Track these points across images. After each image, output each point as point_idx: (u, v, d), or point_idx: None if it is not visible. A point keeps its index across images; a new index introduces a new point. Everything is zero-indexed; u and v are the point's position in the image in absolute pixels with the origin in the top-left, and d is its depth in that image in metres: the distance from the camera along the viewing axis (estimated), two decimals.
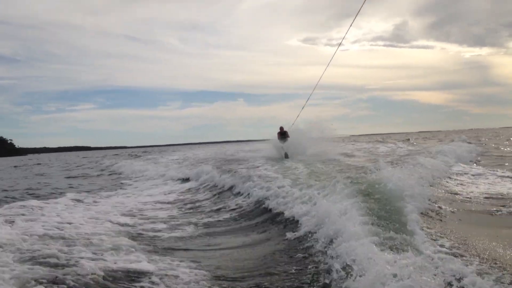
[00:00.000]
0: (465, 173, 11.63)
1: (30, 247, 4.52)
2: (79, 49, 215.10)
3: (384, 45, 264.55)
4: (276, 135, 20.15)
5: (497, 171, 12.05)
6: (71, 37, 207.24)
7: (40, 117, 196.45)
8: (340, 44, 11.78)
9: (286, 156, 18.67)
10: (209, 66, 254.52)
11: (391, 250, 3.66)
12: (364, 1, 8.92)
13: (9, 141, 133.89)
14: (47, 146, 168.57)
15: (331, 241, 4.38)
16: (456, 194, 8.00)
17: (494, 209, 6.38)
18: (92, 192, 12.07)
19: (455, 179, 10.25)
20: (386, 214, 4.85)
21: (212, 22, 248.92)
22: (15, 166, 36.72)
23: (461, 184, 9.45)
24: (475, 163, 15.42)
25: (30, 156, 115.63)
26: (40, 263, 3.99)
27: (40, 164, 41.95)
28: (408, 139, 46.56)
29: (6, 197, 11.64)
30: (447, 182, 9.69)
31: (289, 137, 19.75)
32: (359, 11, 9.37)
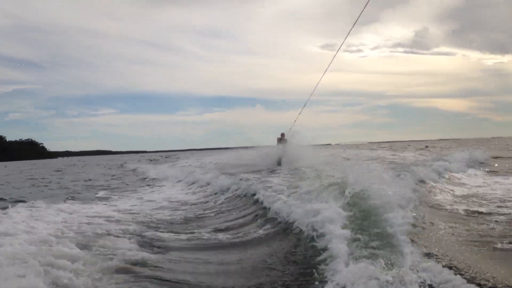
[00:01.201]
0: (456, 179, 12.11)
1: None
2: (102, 55, 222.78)
3: (404, 52, 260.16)
4: (275, 141, 19.63)
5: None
6: (94, 43, 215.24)
7: (63, 121, 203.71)
8: (338, 50, 11.52)
9: (279, 163, 17.79)
10: (228, 72, 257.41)
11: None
12: (363, 10, 8.89)
13: (40, 145, 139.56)
14: (69, 149, 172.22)
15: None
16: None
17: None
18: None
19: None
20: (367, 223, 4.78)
21: (232, 29, 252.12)
22: (58, 170, 38.67)
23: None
24: (475, 169, 15.75)
25: (59, 159, 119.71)
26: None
27: (76, 165, 44.63)
28: (426, 146, 45.90)
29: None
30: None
31: (286, 141, 19.21)
32: (357, 18, 9.35)
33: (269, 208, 7.21)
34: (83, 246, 4.92)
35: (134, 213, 8.40)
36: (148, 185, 16.05)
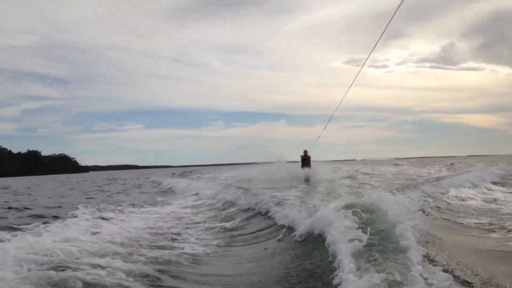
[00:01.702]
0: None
1: None
2: (128, 71, 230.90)
3: (431, 67, 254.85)
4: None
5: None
6: (119, 59, 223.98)
7: (90, 136, 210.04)
8: (363, 65, 11.08)
9: (308, 180, 18.34)
10: (251, 87, 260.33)
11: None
12: (386, 26, 8.55)
13: (73, 159, 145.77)
14: (97, 164, 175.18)
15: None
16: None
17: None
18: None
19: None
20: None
21: (254, 44, 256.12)
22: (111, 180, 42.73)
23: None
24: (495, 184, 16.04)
25: (91, 173, 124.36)
26: None
27: (115, 179, 48.22)
28: (452, 164, 45.14)
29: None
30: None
31: (310, 163, 19.83)
32: (381, 35, 9.02)
33: (279, 220, 7.72)
34: None
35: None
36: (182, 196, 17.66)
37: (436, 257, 4.51)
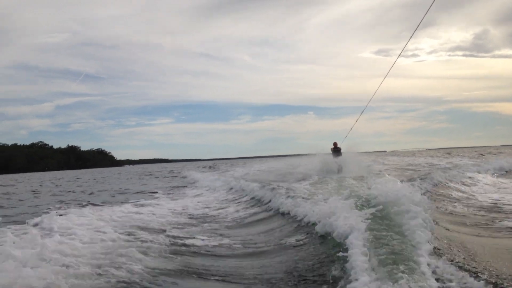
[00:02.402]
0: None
1: None
2: (157, 66, 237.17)
3: (463, 55, 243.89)
4: (329, 150, 20.31)
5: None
6: (150, 56, 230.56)
7: (122, 131, 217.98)
8: (399, 55, 10.73)
9: (339, 171, 18.52)
10: (279, 81, 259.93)
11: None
12: (424, 15, 8.28)
13: (109, 154, 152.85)
14: (129, 158, 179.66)
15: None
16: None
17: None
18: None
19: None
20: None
21: (283, 38, 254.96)
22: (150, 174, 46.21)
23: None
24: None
25: (126, 166, 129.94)
26: None
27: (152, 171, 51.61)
28: (482, 155, 44.51)
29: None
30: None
31: (341, 154, 19.86)
32: (418, 24, 8.79)
33: (294, 216, 7.93)
34: None
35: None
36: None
37: (445, 250, 4.48)
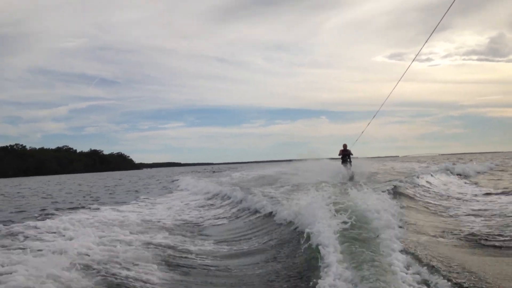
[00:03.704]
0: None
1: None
2: (171, 71, 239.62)
3: (478, 59, 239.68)
4: (338, 153, 18.58)
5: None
6: (165, 60, 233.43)
7: (136, 135, 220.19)
8: (414, 59, 10.41)
9: (352, 178, 17.03)
10: (293, 85, 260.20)
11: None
12: (440, 20, 7.92)
13: (128, 157, 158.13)
14: (142, 162, 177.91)
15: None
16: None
17: None
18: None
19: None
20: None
21: (297, 42, 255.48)
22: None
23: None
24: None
25: (144, 170, 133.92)
26: None
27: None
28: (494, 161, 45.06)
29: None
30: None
31: (352, 155, 18.23)
32: (435, 29, 8.30)
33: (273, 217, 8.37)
34: None
35: None
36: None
37: (414, 249, 4.65)
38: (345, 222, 5.31)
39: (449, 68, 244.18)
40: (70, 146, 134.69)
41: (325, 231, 5.16)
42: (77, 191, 24.75)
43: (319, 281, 3.95)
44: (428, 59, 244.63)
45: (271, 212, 8.92)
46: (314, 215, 5.89)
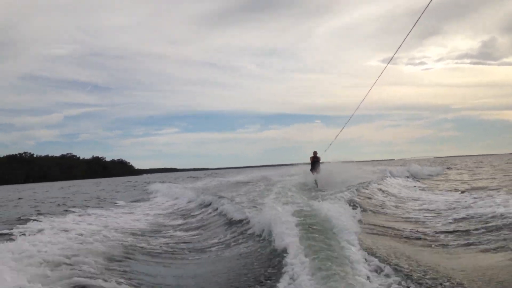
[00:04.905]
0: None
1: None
2: (164, 77, 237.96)
3: (471, 63, 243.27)
4: (309, 159, 18.94)
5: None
6: (155, 66, 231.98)
7: (129, 141, 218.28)
8: (389, 61, 9.88)
9: (317, 185, 16.86)
10: (286, 90, 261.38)
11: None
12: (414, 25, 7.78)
13: (129, 164, 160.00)
14: (138, 167, 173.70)
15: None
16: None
17: None
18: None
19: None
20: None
21: (289, 47, 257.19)
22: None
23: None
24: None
25: (144, 175, 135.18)
26: None
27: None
28: (481, 162, 44.64)
29: None
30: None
31: (320, 164, 18.37)
32: (409, 32, 8.09)
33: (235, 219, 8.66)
34: None
35: None
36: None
37: (369, 245, 4.85)
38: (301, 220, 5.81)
39: (442, 71, 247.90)
40: (64, 153, 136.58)
41: (284, 230, 5.54)
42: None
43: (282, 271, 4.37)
44: (421, 63, 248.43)
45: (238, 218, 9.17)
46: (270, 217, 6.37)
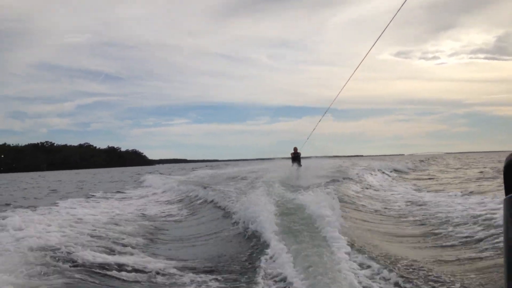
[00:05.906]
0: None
1: None
2: (176, 67, 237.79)
3: (485, 58, 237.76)
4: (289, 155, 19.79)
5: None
6: (169, 57, 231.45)
7: (140, 131, 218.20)
8: (368, 52, 9.23)
9: (298, 178, 17.30)
10: (298, 82, 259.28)
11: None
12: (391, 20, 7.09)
13: (142, 154, 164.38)
14: (149, 158, 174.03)
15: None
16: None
17: None
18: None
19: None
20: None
21: (301, 39, 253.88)
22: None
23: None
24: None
25: (156, 165, 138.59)
26: None
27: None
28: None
29: None
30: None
31: (300, 159, 19.32)
32: (386, 27, 7.14)
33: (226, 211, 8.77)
34: None
35: None
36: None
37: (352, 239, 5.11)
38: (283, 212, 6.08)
39: (455, 66, 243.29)
40: (76, 141, 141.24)
41: (267, 221, 5.74)
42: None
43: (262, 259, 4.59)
44: (434, 57, 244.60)
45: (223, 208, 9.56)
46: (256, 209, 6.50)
